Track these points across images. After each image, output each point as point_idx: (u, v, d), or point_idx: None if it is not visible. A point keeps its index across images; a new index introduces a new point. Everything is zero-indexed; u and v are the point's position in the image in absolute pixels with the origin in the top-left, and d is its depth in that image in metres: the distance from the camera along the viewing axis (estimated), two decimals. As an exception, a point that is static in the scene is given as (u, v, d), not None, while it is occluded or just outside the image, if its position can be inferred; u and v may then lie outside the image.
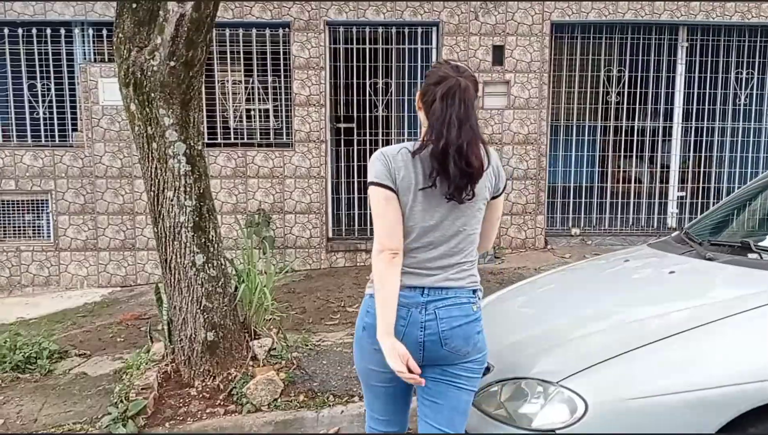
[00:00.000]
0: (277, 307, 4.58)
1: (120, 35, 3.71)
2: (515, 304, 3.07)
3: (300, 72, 6.95)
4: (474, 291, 2.15)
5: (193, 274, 3.81)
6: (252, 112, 7.21)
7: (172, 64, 3.57)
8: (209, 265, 3.84)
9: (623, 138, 7.52)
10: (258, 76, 7.05)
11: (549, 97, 7.23)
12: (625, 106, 7.46)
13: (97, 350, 4.95)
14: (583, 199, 7.59)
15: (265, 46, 7.00)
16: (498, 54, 7.05)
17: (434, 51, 7.17)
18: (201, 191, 3.81)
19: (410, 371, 1.99)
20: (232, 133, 7.17)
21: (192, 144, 3.76)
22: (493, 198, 2.18)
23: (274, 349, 4.21)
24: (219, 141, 7.09)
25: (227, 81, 7.12)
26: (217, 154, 6.99)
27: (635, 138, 7.54)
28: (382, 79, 7.15)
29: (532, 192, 7.29)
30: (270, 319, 4.49)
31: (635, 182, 7.72)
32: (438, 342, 2.05)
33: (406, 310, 2.05)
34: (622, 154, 7.61)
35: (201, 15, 3.55)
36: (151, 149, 3.73)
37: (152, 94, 3.61)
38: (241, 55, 7.01)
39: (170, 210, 3.76)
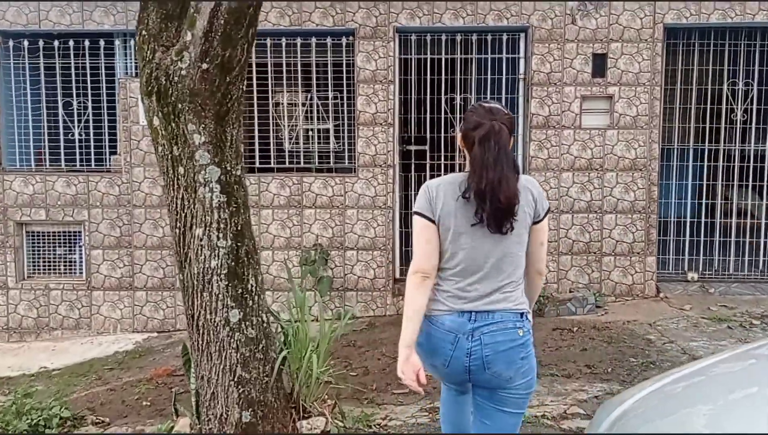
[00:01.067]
0: (332, 372, 3.80)
1: (143, 33, 3.11)
2: (694, 419, 1.95)
3: (365, 86, 6.18)
4: (521, 314, 2.24)
5: (226, 334, 3.13)
6: (310, 133, 6.59)
7: (205, 66, 2.95)
8: (247, 323, 3.16)
9: (751, 164, 6.52)
10: (317, 91, 6.43)
11: (660, 115, 6.14)
12: (753, 126, 6.46)
13: (118, 417, 4.29)
14: (702, 238, 6.54)
15: (326, 57, 6.36)
16: (599, 64, 6.11)
17: (522, 61, 6.21)
18: (239, 228, 3.13)
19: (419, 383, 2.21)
20: (287, 157, 6.55)
21: (229, 168, 3.10)
22: (535, 223, 2.29)
23: (328, 431, 3.51)
24: (272, 165, 6.45)
25: (282, 97, 6.44)
26: (269, 180, 6.31)
27: (766, 164, 6.46)
28: (460, 94, 6.36)
29: (640, 228, 6.14)
30: (327, 382, 3.75)
31: (766, 218, 6.54)
32: (481, 366, 2.18)
33: (453, 335, 2.20)
34: (750, 183, 6.53)
35: (241, 4, 2.93)
36: (176, 175, 3.10)
37: (179, 105, 3.02)
38: (299, 68, 6.37)
39: (199, 252, 3.11)
